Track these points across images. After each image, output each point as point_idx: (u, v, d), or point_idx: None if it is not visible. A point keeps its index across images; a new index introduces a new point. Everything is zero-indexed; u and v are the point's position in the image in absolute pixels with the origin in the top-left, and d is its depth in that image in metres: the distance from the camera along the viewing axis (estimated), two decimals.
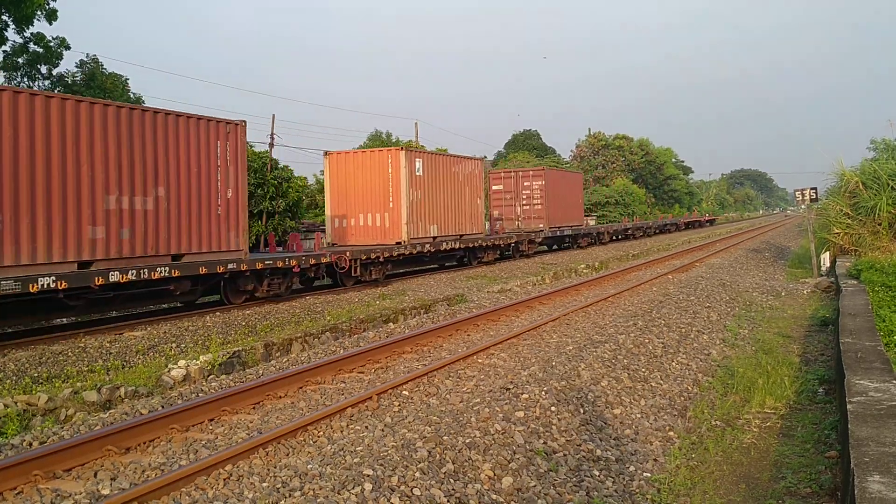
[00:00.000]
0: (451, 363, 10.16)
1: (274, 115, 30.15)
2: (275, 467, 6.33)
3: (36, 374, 10.06)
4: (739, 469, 6.80)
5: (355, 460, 6.25)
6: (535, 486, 6.10)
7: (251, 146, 25.54)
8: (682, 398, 9.05)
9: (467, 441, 6.64)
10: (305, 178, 30.73)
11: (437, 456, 6.29)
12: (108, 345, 11.87)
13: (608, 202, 63.96)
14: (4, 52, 21.61)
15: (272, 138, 29.87)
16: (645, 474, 6.70)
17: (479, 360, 10.44)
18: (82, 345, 11.78)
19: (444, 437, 6.66)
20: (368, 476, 5.77)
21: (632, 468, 6.80)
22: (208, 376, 10.52)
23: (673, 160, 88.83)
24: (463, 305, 16.64)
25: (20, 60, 22.43)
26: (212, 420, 7.90)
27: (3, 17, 19.08)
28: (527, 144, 75.67)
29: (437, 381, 9.30)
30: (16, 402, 8.48)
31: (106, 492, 5.93)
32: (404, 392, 8.76)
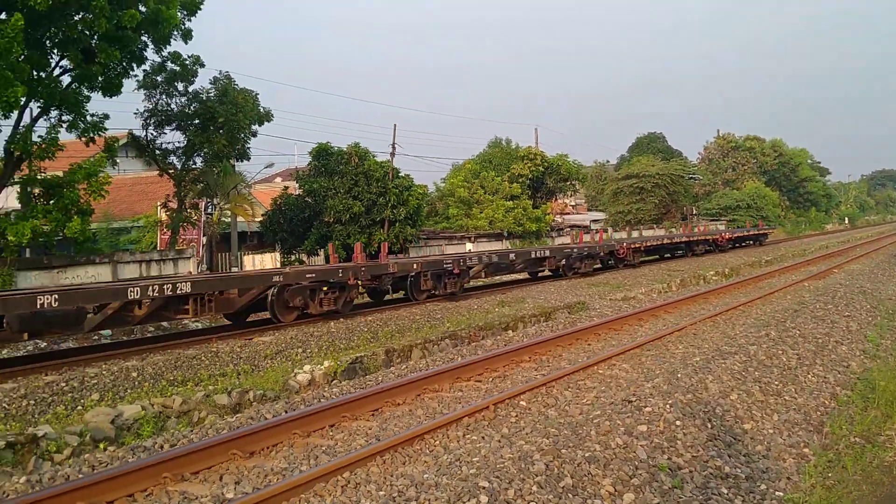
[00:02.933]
0: (571, 373, 9.93)
1: (395, 125, 30.73)
2: (391, 476, 6.35)
3: (172, 378, 10.57)
4: (880, 489, 6.28)
5: (471, 471, 6.18)
6: (658, 503, 5.84)
7: (374, 156, 26.02)
8: (819, 413, 8.48)
9: (587, 455, 6.44)
10: (426, 186, 31.08)
11: (555, 469, 6.13)
12: (238, 350, 12.35)
13: (738, 206, 61.50)
14: (144, 71, 23.04)
15: (393, 148, 30.42)
16: (777, 493, 6.29)
17: (600, 371, 10.17)
18: (214, 349, 12.30)
19: (563, 451, 6.49)
20: (484, 488, 5.68)
21: (763, 486, 6.41)
22: (331, 381, 10.76)
23: (808, 161, 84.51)
24: (584, 313, 16.32)
25: (159, 79, 23.86)
26: (332, 426, 8.04)
27: (143, 38, 20.35)
28: (651, 147, 73.66)
29: (555, 391, 9.11)
30: (152, 405, 8.93)
31: (230, 495, 6.12)
32: (522, 402, 8.63)
